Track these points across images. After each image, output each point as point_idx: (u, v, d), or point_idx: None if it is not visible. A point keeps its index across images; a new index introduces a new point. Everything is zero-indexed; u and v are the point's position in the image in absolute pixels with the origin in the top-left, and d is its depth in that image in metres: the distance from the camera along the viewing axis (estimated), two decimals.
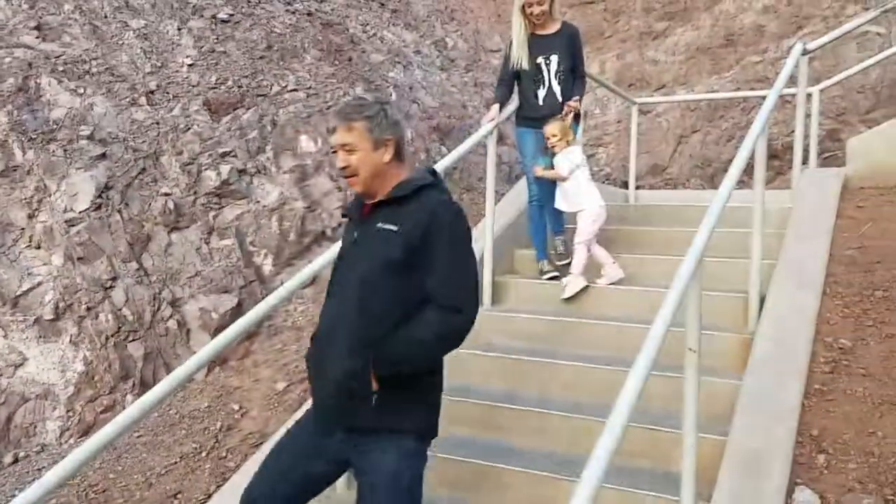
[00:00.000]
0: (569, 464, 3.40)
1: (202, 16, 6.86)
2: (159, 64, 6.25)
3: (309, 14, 7.80)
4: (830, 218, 4.94)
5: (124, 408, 4.47)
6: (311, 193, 6.12)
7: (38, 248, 5.08)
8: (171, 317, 5.19)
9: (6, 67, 5.54)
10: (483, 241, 5.01)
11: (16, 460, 4.56)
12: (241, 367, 5.07)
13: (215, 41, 6.71)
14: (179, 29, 6.63)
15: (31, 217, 5.14)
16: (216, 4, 7.07)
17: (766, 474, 2.95)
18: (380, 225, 2.41)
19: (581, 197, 4.96)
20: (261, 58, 6.81)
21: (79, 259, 5.07)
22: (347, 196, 6.39)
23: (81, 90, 5.69)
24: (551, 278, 5.10)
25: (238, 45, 6.81)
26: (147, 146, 5.67)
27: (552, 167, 5.04)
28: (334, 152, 2.49)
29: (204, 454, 4.27)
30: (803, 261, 4.43)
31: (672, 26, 10.55)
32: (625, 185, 7.65)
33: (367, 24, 8.50)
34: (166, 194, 5.54)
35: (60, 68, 5.74)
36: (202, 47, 6.58)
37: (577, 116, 5.14)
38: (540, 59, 5.11)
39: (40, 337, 4.86)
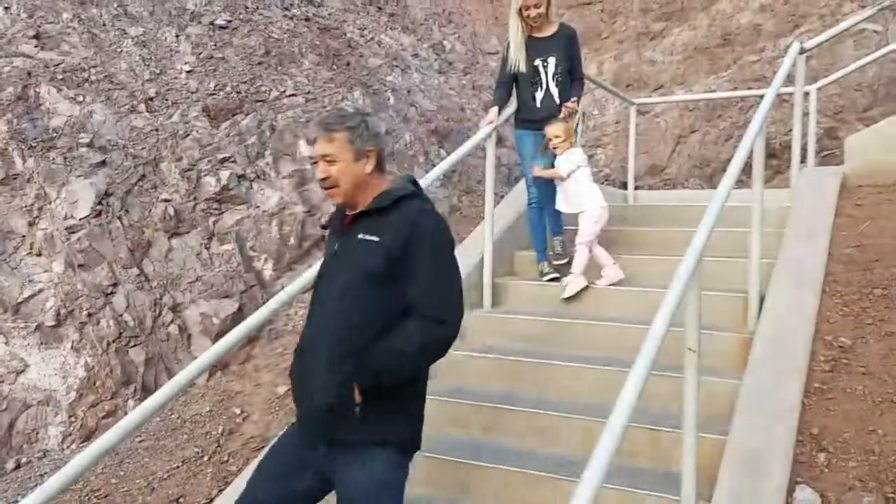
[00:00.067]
0: (569, 464, 3.41)
1: (200, 22, 6.88)
2: (158, 71, 6.27)
3: (306, 19, 7.82)
4: (829, 217, 4.95)
5: (126, 413, 4.48)
6: (311, 198, 6.13)
7: (39, 255, 5.09)
8: (172, 322, 5.20)
9: (5, 76, 5.55)
10: (483, 243, 5.03)
11: (18, 466, 4.57)
12: (242, 372, 5.08)
13: (213, 47, 6.73)
14: (177, 36, 6.65)
15: (31, 224, 5.15)
16: (214, 11, 7.09)
17: (767, 473, 2.96)
18: (360, 236, 2.39)
19: (582, 198, 4.97)
20: (259, 63, 6.83)
21: (80, 266, 5.08)
22: None
23: (81, 98, 5.70)
24: (551, 280, 5.11)
25: (236, 51, 6.83)
26: (146, 153, 5.68)
27: (552, 168, 5.06)
28: (315, 163, 2.49)
29: (206, 458, 4.27)
30: (802, 260, 4.44)
31: (669, 26, 10.56)
32: (623, 185, 7.65)
33: (365, 29, 8.51)
34: (166, 200, 5.55)
35: (59, 76, 5.75)
36: (200, 54, 6.60)
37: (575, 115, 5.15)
38: (537, 62, 5.12)
39: (42, 343, 4.87)
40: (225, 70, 6.55)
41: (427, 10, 10.06)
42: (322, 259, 2.67)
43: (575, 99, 5.11)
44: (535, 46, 5.13)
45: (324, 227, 2.81)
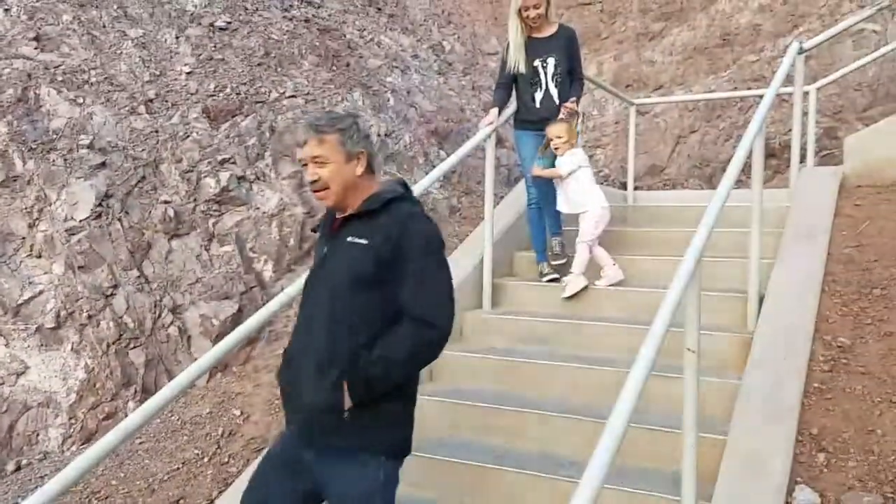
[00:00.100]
0: (569, 465, 3.42)
1: (200, 24, 6.89)
2: (158, 72, 6.28)
3: (306, 20, 7.82)
4: (828, 217, 4.96)
5: (126, 415, 4.49)
6: (311, 199, 6.13)
7: (39, 256, 5.10)
8: (171, 323, 5.20)
9: (5, 78, 5.56)
10: (482, 244, 5.03)
11: (18, 468, 4.57)
12: (242, 373, 5.08)
13: (213, 49, 6.73)
14: (177, 37, 6.66)
15: (31, 226, 5.16)
16: (213, 13, 7.09)
17: (767, 473, 2.96)
18: (349, 239, 2.38)
19: (584, 198, 4.97)
20: (259, 65, 6.83)
21: (80, 267, 5.08)
22: None
23: (81, 100, 5.71)
24: (551, 280, 5.11)
25: (236, 53, 6.83)
26: (146, 154, 5.68)
27: (552, 168, 5.07)
28: (304, 165, 2.45)
29: (206, 460, 4.28)
30: (802, 260, 4.44)
31: (668, 27, 10.56)
32: (623, 185, 7.66)
33: (364, 30, 8.52)
34: (166, 202, 5.55)
35: (59, 78, 5.76)
36: (200, 55, 6.61)
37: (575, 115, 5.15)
38: (537, 62, 5.13)
39: (42, 345, 4.87)
40: (225, 71, 6.55)
41: (426, 10, 10.07)
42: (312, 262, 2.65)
43: (574, 99, 5.11)
44: (534, 47, 5.14)
45: (314, 231, 2.80)
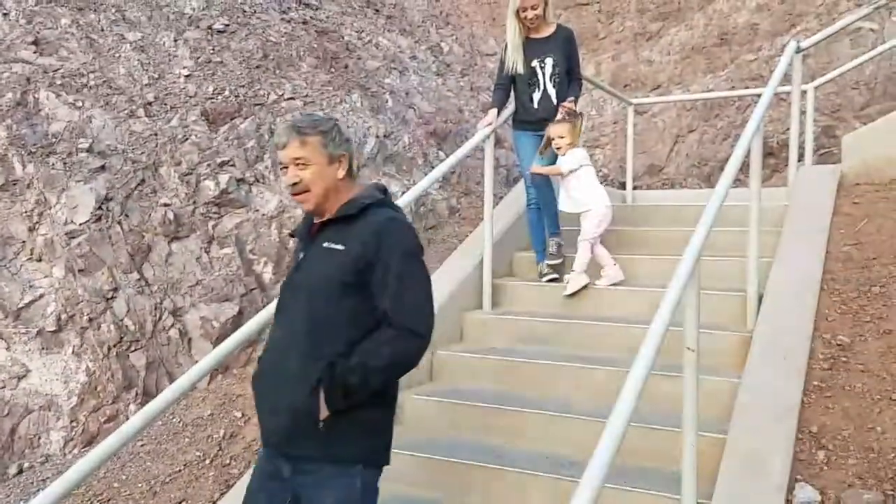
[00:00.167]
0: (570, 464, 3.42)
1: (198, 27, 6.89)
2: (156, 75, 6.28)
3: (304, 22, 7.83)
4: (827, 215, 4.97)
5: (127, 417, 4.49)
6: None
7: (40, 260, 5.10)
8: (172, 326, 5.21)
9: (4, 82, 5.56)
10: (482, 244, 5.04)
11: (20, 471, 4.57)
12: (243, 375, 5.08)
13: (211, 52, 6.74)
14: (176, 40, 6.66)
15: (31, 230, 5.16)
16: (212, 15, 7.10)
17: (767, 472, 2.97)
18: (326, 245, 2.34)
19: (586, 197, 4.98)
20: (257, 67, 6.84)
21: (80, 271, 5.09)
22: None
23: (80, 103, 5.71)
24: (551, 280, 5.12)
25: (234, 55, 6.84)
26: (146, 157, 5.69)
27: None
28: (283, 168, 2.41)
29: (208, 462, 4.28)
30: (800, 258, 4.45)
31: (666, 26, 10.58)
32: (622, 185, 7.67)
33: (363, 31, 8.53)
34: (166, 205, 5.56)
35: (58, 82, 5.77)
36: (199, 58, 6.61)
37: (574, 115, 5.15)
38: (535, 63, 5.14)
39: (43, 348, 4.87)
40: (223, 74, 6.56)
41: (424, 12, 10.08)
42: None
43: (572, 99, 5.12)
44: (532, 47, 5.15)
45: (291, 236, 2.76)
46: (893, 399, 3.32)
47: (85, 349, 4.92)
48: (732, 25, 9.80)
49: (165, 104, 6.09)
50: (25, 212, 5.19)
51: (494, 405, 3.93)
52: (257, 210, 5.86)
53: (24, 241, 5.12)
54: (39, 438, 4.70)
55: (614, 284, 4.92)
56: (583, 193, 4.99)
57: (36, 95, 5.60)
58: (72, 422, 4.76)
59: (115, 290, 5.12)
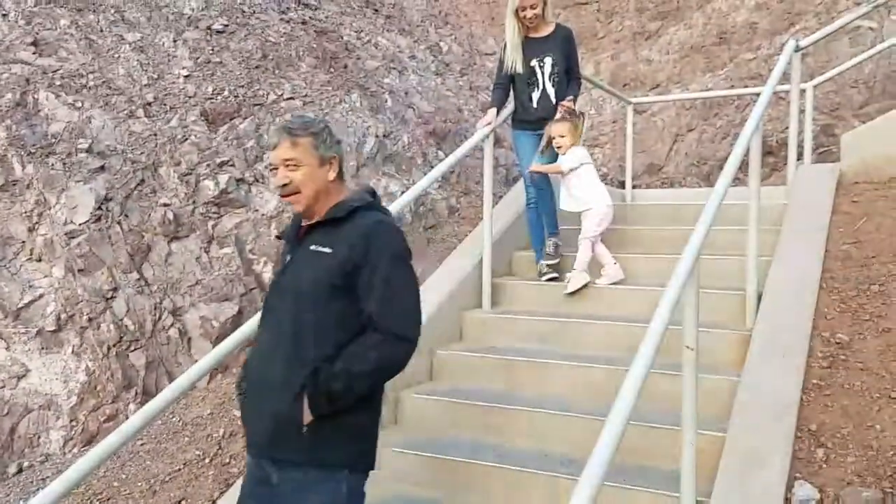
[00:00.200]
0: (569, 463, 3.43)
1: (197, 27, 6.90)
2: (156, 76, 6.29)
3: (303, 22, 7.83)
4: (826, 213, 4.97)
5: (127, 417, 4.50)
6: None
7: (39, 260, 5.10)
8: (172, 326, 5.21)
9: (4, 83, 5.57)
10: (481, 244, 5.05)
11: (20, 470, 4.58)
12: None
13: (211, 52, 6.74)
14: (175, 41, 6.67)
15: (31, 230, 5.16)
16: (211, 16, 7.10)
17: (766, 470, 2.97)
18: (313, 247, 2.33)
19: (588, 196, 4.98)
20: (256, 67, 6.84)
21: (79, 271, 5.09)
22: None
23: (79, 104, 5.72)
24: (550, 279, 5.12)
25: (233, 56, 6.84)
26: (145, 157, 5.69)
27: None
28: (273, 170, 2.41)
29: (207, 461, 4.29)
30: (800, 257, 4.46)
31: (665, 25, 10.58)
32: (621, 184, 7.68)
33: (362, 31, 8.53)
34: (165, 205, 5.56)
35: (58, 83, 5.77)
36: (198, 58, 6.62)
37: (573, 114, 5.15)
38: (534, 62, 5.14)
39: (42, 348, 4.88)
40: (222, 74, 6.56)
41: (423, 11, 10.08)
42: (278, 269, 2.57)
43: (571, 98, 5.12)
44: (531, 47, 5.15)
45: (279, 237, 2.75)
46: (892, 397, 3.33)
47: (84, 349, 4.92)
48: (731, 24, 9.81)
49: (165, 104, 6.10)
50: (25, 212, 5.19)
51: (494, 404, 3.93)
52: (257, 210, 5.87)
53: (23, 242, 5.13)
54: (39, 438, 4.70)
55: (614, 283, 4.92)
56: (584, 192, 4.99)
57: (35, 96, 5.60)
58: (71, 421, 4.77)
59: (115, 289, 5.12)
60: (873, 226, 4.76)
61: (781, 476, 2.94)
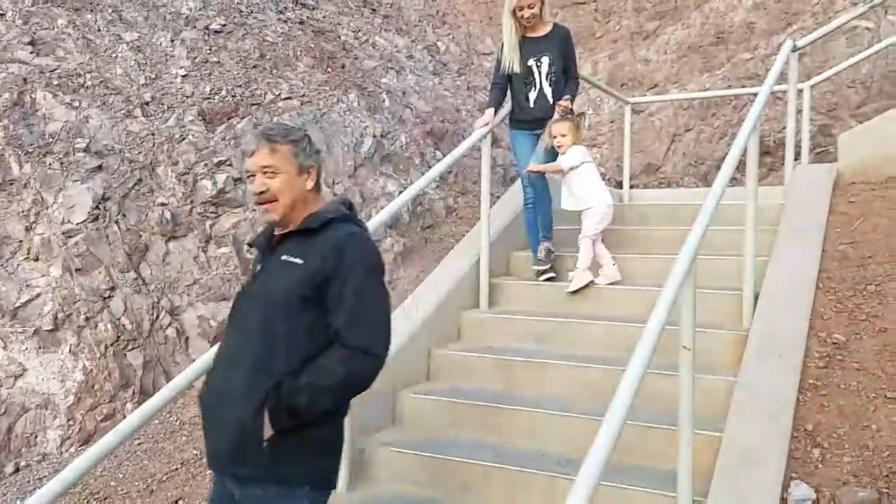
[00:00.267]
0: (566, 462, 3.43)
1: (195, 27, 6.89)
2: (153, 75, 6.28)
3: (301, 22, 7.83)
4: (823, 213, 4.98)
5: (124, 416, 4.49)
6: None
7: (37, 259, 5.10)
8: (169, 325, 5.21)
9: (1, 83, 5.56)
10: (479, 244, 5.05)
11: (17, 470, 4.58)
12: None
13: (208, 52, 6.74)
14: (172, 40, 6.66)
15: (28, 229, 5.16)
16: (208, 15, 7.10)
17: (762, 469, 2.98)
18: (284, 258, 2.28)
19: (588, 195, 4.98)
20: (254, 67, 6.84)
21: (77, 270, 5.09)
22: None
23: (76, 103, 5.71)
24: (547, 279, 5.12)
25: (231, 55, 6.84)
26: (143, 157, 5.69)
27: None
28: (250, 177, 2.35)
29: (204, 460, 4.28)
30: (797, 257, 4.46)
31: (663, 25, 10.59)
32: (619, 184, 7.69)
33: (359, 31, 8.53)
34: (163, 204, 5.56)
35: (55, 82, 5.76)
36: (195, 58, 6.61)
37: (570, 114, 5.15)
38: (531, 62, 5.14)
39: (40, 347, 4.88)
40: (220, 74, 6.56)
41: (421, 11, 10.08)
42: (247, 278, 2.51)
43: (568, 97, 5.11)
44: (528, 46, 5.15)
45: (250, 246, 2.68)
46: (888, 397, 3.33)
47: (82, 348, 4.92)
48: (729, 24, 9.82)
49: (162, 104, 6.10)
50: (22, 211, 5.19)
51: (492, 404, 3.93)
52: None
53: (21, 241, 5.13)
54: (36, 437, 4.70)
55: (611, 284, 4.92)
56: (584, 191, 4.99)
57: (33, 95, 5.60)
58: (69, 420, 4.77)
59: (113, 289, 5.12)
60: (870, 226, 4.77)
61: (778, 476, 2.94)
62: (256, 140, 2.34)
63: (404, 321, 4.48)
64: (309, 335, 2.22)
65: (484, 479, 3.48)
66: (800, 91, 6.64)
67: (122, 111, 5.87)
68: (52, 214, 5.21)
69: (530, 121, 5.19)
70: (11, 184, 5.25)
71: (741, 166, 4.15)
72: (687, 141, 9.41)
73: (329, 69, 7.43)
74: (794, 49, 5.74)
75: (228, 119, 6.23)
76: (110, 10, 6.59)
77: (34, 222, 5.18)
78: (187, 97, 6.22)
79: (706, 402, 3.50)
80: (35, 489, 4.19)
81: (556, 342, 4.51)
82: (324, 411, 2.19)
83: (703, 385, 3.46)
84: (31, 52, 5.90)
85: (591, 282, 4.87)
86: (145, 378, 5.01)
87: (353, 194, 6.53)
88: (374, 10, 9.19)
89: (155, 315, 5.20)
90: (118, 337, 5.01)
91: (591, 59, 10.82)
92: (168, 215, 5.51)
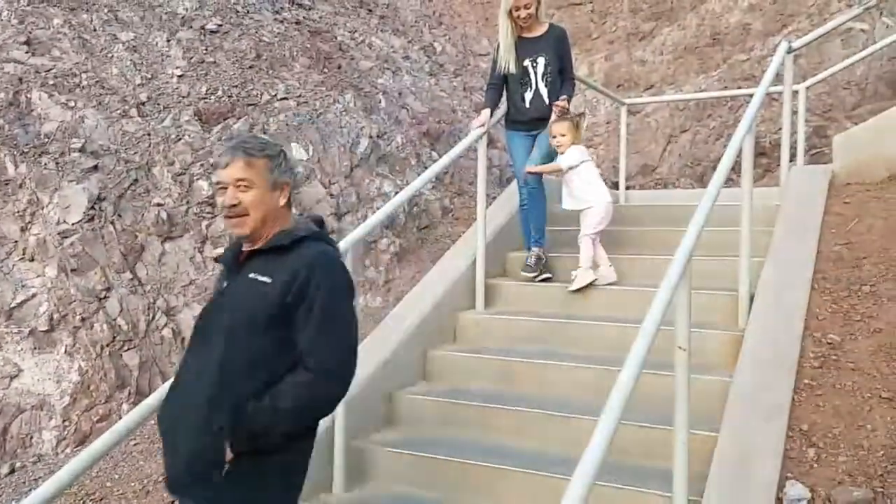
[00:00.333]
0: (562, 462, 3.43)
1: (191, 27, 6.89)
2: (149, 76, 6.28)
3: (297, 22, 7.83)
4: (818, 215, 4.99)
5: (120, 417, 4.49)
6: (302, 201, 6.14)
7: (32, 260, 5.09)
8: (165, 325, 5.21)
9: None
10: (475, 244, 5.05)
11: (12, 471, 4.57)
12: None
13: (204, 52, 6.74)
14: (168, 40, 6.66)
15: (24, 230, 5.15)
16: (205, 15, 7.09)
17: (757, 469, 2.99)
18: (252, 275, 2.21)
19: (588, 194, 4.99)
20: (250, 67, 6.84)
21: (72, 270, 5.08)
22: (339, 203, 6.41)
23: (72, 103, 5.70)
24: (543, 280, 5.13)
25: (227, 56, 6.84)
26: (139, 157, 5.68)
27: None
28: (221, 189, 2.26)
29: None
30: (792, 258, 4.47)
31: (659, 26, 10.60)
32: (615, 185, 7.69)
33: (356, 31, 8.53)
34: (159, 204, 5.56)
35: (51, 82, 5.76)
36: (192, 58, 6.61)
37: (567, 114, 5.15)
38: (527, 62, 5.14)
39: (35, 348, 4.87)
40: (216, 74, 6.56)
41: (417, 12, 10.09)
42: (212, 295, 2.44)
43: (565, 98, 5.11)
44: (524, 47, 5.15)
45: (216, 261, 2.63)
46: (883, 397, 3.34)
47: (77, 349, 4.91)
48: (724, 25, 9.84)
49: (158, 104, 6.09)
50: (18, 212, 5.18)
51: (488, 404, 3.94)
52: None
53: (16, 241, 5.12)
54: (31, 438, 4.69)
55: (608, 284, 4.93)
56: (584, 190, 4.99)
57: (28, 95, 5.59)
58: (64, 421, 4.76)
59: (108, 289, 5.11)
60: (865, 227, 4.79)
61: (773, 475, 2.95)
62: (231, 152, 2.25)
63: (398, 324, 4.49)
64: (274, 355, 2.16)
65: (480, 479, 3.48)
66: (795, 92, 6.66)
67: (118, 111, 5.86)
68: (48, 215, 5.20)
69: (526, 121, 5.20)
70: (7, 184, 5.24)
71: (737, 167, 4.16)
72: (683, 142, 9.43)
73: (325, 70, 7.43)
74: (790, 50, 5.75)
75: (225, 119, 6.23)
76: (106, 10, 6.58)
77: (30, 222, 5.17)
78: (183, 97, 6.22)
79: (702, 403, 3.50)
80: (31, 490, 4.18)
81: (552, 343, 4.52)
82: (285, 434, 2.12)
83: (698, 385, 3.46)
84: (27, 52, 5.89)
85: (595, 281, 4.88)
86: (141, 379, 5.01)
87: (350, 195, 6.53)
88: (370, 10, 9.19)
89: (151, 316, 5.19)
90: (114, 337, 5.00)
91: (587, 59, 10.83)
92: (164, 216, 5.51)
